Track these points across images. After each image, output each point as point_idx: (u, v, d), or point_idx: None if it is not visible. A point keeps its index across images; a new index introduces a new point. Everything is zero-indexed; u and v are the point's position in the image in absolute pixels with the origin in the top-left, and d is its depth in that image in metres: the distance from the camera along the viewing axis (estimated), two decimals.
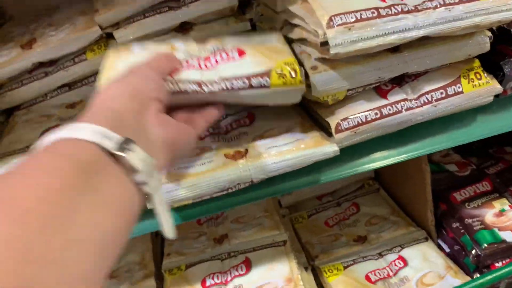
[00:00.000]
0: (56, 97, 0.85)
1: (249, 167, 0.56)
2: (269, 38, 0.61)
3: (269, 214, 0.93)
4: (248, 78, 0.50)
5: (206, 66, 0.53)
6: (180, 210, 0.61)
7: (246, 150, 0.59)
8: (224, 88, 0.50)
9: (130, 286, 0.82)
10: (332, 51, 0.50)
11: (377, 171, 1.12)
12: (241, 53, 0.54)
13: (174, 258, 0.84)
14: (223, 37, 0.60)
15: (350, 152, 0.62)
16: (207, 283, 0.77)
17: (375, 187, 1.10)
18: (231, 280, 0.77)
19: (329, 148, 0.58)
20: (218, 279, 0.78)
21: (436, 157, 1.03)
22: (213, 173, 0.56)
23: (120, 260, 0.89)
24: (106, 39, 0.83)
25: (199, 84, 0.50)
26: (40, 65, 0.82)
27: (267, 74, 0.50)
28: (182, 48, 0.58)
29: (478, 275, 0.80)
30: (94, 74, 0.85)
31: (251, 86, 0.50)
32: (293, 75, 0.51)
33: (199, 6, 0.74)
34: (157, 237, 0.98)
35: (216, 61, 0.53)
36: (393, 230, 0.94)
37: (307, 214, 1.05)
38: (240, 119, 0.67)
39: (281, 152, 0.58)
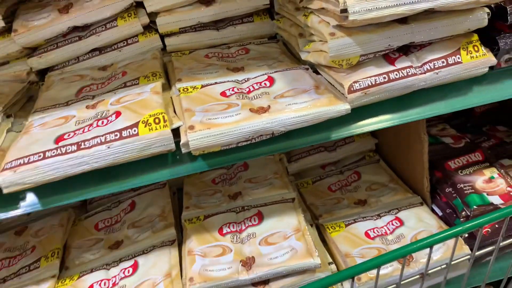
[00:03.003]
0: (87, 60, 0.92)
1: (271, 120, 0.64)
2: (145, 89, 0.73)
3: (279, 176, 1.02)
4: (120, 131, 0.62)
5: (89, 129, 0.65)
6: (207, 158, 0.69)
7: (269, 106, 0.67)
8: (99, 142, 0.61)
9: (152, 234, 0.90)
10: (351, 17, 0.58)
11: (378, 144, 1.20)
12: (118, 114, 0.67)
13: (193, 211, 0.92)
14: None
15: (356, 115, 0.71)
16: (224, 231, 0.86)
17: (375, 158, 1.18)
18: (245, 229, 0.86)
19: (342, 107, 0.66)
20: (233, 227, 0.86)
21: (433, 131, 1.11)
22: (241, 123, 0.64)
23: (142, 213, 0.97)
24: (135, 8, 0.90)
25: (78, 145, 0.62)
26: (74, 29, 0.89)
27: (136, 125, 0.62)
28: (75, 118, 0.70)
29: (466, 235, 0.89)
30: (123, 40, 0.92)
31: (122, 137, 0.61)
32: (157, 122, 0.62)
33: None
34: (175, 195, 1.07)
35: (97, 125, 0.65)
36: (391, 196, 1.03)
37: (311, 180, 1.14)
38: (261, 81, 0.75)
39: (300, 108, 0.65)
